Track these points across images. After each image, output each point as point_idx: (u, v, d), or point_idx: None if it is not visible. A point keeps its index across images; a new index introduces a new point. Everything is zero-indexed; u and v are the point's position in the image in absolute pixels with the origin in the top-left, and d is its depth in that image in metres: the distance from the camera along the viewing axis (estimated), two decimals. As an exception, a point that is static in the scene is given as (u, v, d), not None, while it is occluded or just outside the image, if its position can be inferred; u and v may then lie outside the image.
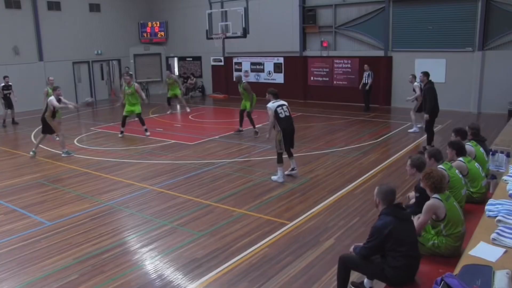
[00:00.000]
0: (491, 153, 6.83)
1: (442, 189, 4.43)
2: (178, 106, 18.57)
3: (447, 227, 4.39)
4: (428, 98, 10.02)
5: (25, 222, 6.97)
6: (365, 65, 16.18)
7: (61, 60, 20.50)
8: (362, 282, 4.67)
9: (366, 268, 4.26)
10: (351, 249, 4.36)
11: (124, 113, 13.12)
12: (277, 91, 9.20)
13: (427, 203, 4.44)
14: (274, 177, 8.67)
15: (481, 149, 6.50)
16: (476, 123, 7.09)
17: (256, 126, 12.85)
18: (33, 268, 5.50)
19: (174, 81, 16.97)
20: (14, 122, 16.09)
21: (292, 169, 8.90)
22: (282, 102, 8.74)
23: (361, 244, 4.23)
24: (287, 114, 8.62)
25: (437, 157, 5.68)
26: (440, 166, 5.53)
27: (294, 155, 8.92)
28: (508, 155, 6.73)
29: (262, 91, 21.25)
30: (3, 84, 15.70)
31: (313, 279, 5.02)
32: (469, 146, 6.40)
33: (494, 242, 3.65)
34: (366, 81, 16.05)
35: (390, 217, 4.02)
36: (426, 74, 10.24)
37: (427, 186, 4.52)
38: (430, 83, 10.11)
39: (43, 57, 19.93)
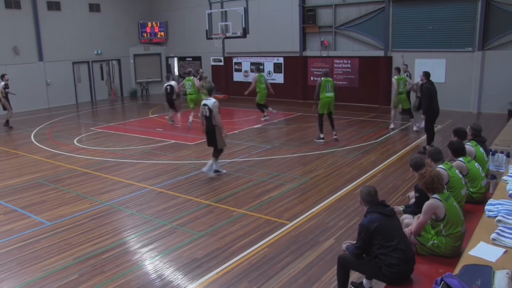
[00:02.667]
0: (491, 153, 6.84)
1: (436, 189, 4.46)
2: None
3: (447, 227, 4.40)
4: (423, 98, 10.00)
5: (25, 222, 6.97)
6: (404, 65, 14.77)
7: (61, 60, 20.51)
8: (362, 282, 4.67)
9: (364, 268, 4.30)
10: (344, 247, 4.41)
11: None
12: (212, 87, 9.44)
13: (427, 203, 4.46)
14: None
15: (481, 149, 6.51)
16: (478, 124, 7.09)
17: (256, 126, 12.86)
18: (33, 268, 5.50)
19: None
20: (6, 124, 15.20)
21: (216, 171, 9.02)
22: (206, 101, 8.72)
23: (354, 242, 4.28)
24: (207, 115, 8.67)
25: (435, 157, 5.70)
26: (440, 166, 5.54)
27: (293, 154, 8.98)
28: (508, 155, 6.73)
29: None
30: (3, 83, 15.06)
31: (313, 279, 5.02)
32: (469, 146, 6.41)
33: (494, 242, 3.66)
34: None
35: (375, 214, 4.12)
36: (426, 74, 10.18)
37: (421, 186, 4.61)
38: (429, 83, 10.07)
39: (43, 57, 19.92)
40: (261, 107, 14.95)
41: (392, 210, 4.31)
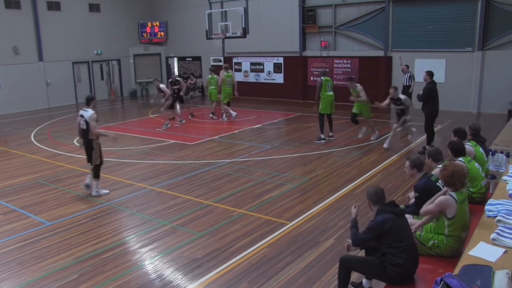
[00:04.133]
0: (490, 153, 6.84)
1: (453, 185, 4.45)
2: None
3: (451, 227, 4.39)
4: (425, 98, 9.96)
5: (25, 222, 6.97)
6: (404, 66, 14.62)
7: (61, 60, 20.51)
8: (361, 282, 4.67)
9: (367, 267, 4.29)
10: (348, 244, 4.39)
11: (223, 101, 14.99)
12: (90, 97, 8.20)
13: (442, 197, 4.46)
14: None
15: (481, 149, 6.51)
16: (477, 124, 7.09)
17: (256, 125, 12.83)
18: (33, 268, 5.50)
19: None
20: None
21: (86, 185, 8.14)
22: (83, 112, 7.88)
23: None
24: (83, 128, 7.87)
25: (435, 157, 5.70)
26: (440, 166, 5.53)
27: (293, 154, 8.94)
28: (508, 155, 6.73)
29: (261, 91, 21.30)
30: None
31: (313, 279, 5.02)
32: (469, 146, 6.41)
33: (494, 242, 3.65)
34: (408, 83, 14.42)
35: (388, 214, 4.10)
36: (429, 74, 10.15)
37: (440, 178, 4.65)
38: (432, 83, 10.05)
39: (43, 57, 19.92)
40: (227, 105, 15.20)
41: (403, 210, 4.29)
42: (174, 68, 24.55)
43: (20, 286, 5.10)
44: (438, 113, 10.33)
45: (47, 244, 6.16)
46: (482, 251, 3.51)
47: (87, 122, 7.80)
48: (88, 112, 7.84)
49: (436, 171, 5.64)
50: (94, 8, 21.76)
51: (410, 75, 14.93)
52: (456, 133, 6.68)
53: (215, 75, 15.35)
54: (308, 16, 18.74)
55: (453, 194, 4.41)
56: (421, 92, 10.20)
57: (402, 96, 10.72)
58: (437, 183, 5.35)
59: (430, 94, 9.93)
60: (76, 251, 5.91)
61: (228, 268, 5.34)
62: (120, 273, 5.30)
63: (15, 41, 18.94)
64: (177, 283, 5.08)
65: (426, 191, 5.22)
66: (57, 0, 20.26)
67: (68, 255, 5.79)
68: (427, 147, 9.94)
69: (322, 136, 11.64)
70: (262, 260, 5.51)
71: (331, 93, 11.56)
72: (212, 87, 15.28)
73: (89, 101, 8.02)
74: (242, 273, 5.22)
